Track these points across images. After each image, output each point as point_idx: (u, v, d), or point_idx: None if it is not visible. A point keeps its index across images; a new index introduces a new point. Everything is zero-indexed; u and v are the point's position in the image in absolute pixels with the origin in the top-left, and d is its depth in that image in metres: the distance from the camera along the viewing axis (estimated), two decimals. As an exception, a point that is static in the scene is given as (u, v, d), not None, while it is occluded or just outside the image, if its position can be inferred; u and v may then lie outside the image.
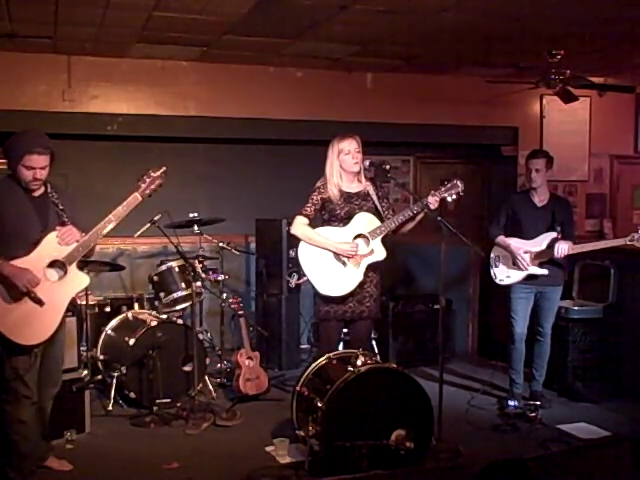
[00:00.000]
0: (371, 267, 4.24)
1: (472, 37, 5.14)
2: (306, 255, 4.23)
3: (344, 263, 4.18)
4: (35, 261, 3.44)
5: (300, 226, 4.26)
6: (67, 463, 3.91)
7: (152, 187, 3.71)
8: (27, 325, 3.43)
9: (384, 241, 4.22)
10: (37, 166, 3.44)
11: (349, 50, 5.57)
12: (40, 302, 3.44)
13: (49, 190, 3.60)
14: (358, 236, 4.20)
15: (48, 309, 3.48)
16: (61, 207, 3.57)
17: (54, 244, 3.48)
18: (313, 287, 4.26)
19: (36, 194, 3.55)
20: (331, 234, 4.22)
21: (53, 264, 3.50)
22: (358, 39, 5.24)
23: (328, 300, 4.24)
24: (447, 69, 6.34)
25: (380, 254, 4.20)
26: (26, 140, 3.46)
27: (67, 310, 3.63)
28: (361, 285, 4.22)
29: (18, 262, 3.40)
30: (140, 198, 3.66)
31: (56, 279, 3.51)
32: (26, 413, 3.57)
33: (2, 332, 3.35)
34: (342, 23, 4.76)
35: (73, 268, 3.54)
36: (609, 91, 6.64)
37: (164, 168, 3.75)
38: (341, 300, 4.23)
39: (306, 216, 4.27)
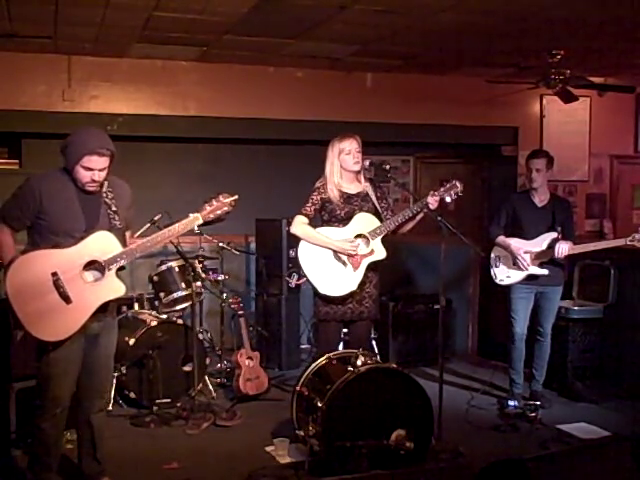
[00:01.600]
0: (370, 267, 4.24)
1: (472, 37, 5.14)
2: (306, 255, 4.23)
3: (344, 263, 4.18)
4: (75, 256, 3.27)
5: (300, 225, 4.26)
6: None
7: (217, 212, 3.51)
8: (47, 319, 3.24)
9: (384, 241, 4.22)
10: (96, 168, 3.27)
11: (349, 50, 5.57)
12: (67, 299, 3.24)
13: (105, 189, 3.40)
14: (358, 236, 4.21)
15: (73, 308, 3.27)
16: (114, 209, 3.39)
17: (99, 244, 3.30)
18: (313, 288, 4.26)
19: (88, 191, 3.36)
20: (331, 234, 4.22)
21: (92, 264, 3.31)
22: (358, 39, 5.23)
23: (328, 301, 4.24)
24: (447, 69, 6.33)
25: (380, 254, 4.20)
26: (88, 139, 3.28)
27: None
28: (361, 286, 4.22)
29: (57, 252, 3.26)
30: (201, 220, 3.47)
31: (91, 280, 3.31)
32: (46, 421, 3.40)
33: (20, 319, 3.19)
34: (342, 23, 4.76)
35: (111, 274, 3.33)
36: (609, 91, 6.64)
37: (236, 197, 3.56)
38: (341, 301, 4.23)
39: (306, 215, 4.27)
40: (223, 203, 3.51)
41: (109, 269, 3.31)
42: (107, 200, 3.39)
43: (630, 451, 3.37)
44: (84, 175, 3.29)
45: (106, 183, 3.42)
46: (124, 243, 3.42)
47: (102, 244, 3.31)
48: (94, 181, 3.31)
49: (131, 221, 3.64)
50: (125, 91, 5.86)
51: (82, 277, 3.30)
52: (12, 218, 3.35)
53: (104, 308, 3.39)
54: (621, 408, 5.12)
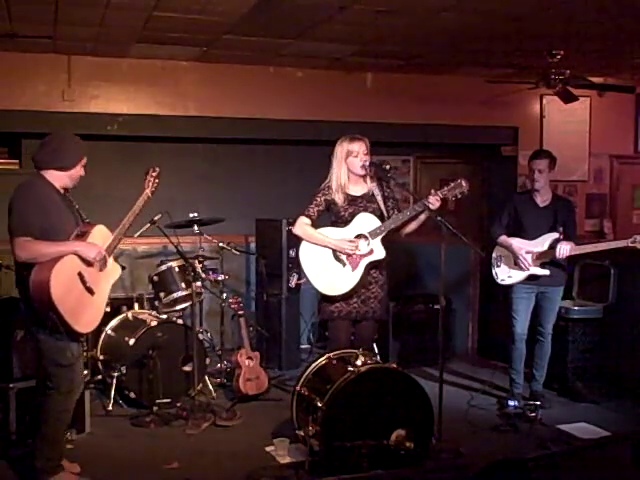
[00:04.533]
0: (377, 268, 4.24)
1: (472, 37, 5.14)
2: (306, 255, 4.24)
3: (343, 263, 4.18)
4: None
5: (302, 226, 4.26)
6: (77, 466, 3.87)
7: (155, 186, 4.05)
8: (82, 313, 3.52)
9: (384, 241, 4.22)
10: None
11: (349, 50, 5.57)
12: (91, 291, 3.57)
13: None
14: (358, 236, 4.20)
15: (97, 299, 3.62)
16: (76, 206, 3.74)
17: (99, 236, 3.65)
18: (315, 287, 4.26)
19: (62, 192, 3.69)
20: (331, 233, 4.22)
21: None
22: (358, 39, 5.23)
23: (332, 300, 4.24)
24: (447, 69, 6.33)
25: (379, 253, 4.20)
26: (78, 143, 3.71)
27: None
28: (366, 286, 4.22)
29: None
30: (150, 196, 4.00)
31: (99, 269, 3.65)
32: (72, 402, 3.66)
33: (63, 316, 3.39)
34: (342, 23, 4.76)
35: (110, 259, 3.74)
36: (609, 91, 6.64)
37: (157, 169, 4.10)
38: (345, 300, 4.22)
39: (308, 217, 4.26)
40: (154, 177, 4.06)
41: (109, 256, 3.73)
42: (70, 199, 3.74)
43: (630, 451, 3.38)
44: (80, 172, 3.71)
45: None
46: None
47: (102, 236, 3.70)
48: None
49: None
50: (125, 91, 5.86)
51: (95, 268, 3.63)
52: (40, 230, 3.46)
53: None
54: (621, 408, 5.12)
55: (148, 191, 3.99)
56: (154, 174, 4.06)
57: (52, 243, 3.45)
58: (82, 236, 3.58)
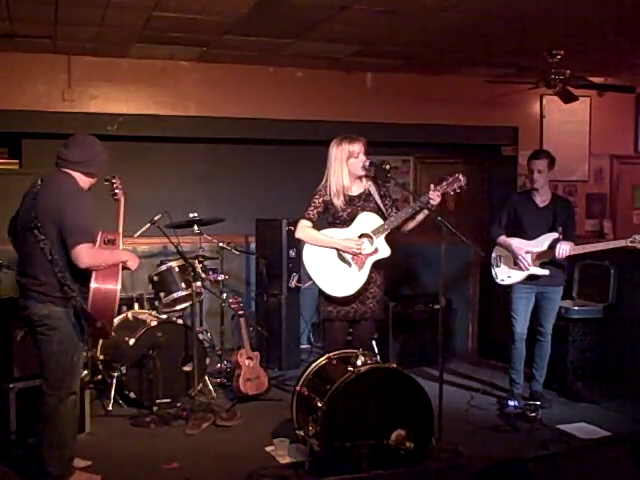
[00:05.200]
0: (375, 268, 4.23)
1: (472, 37, 5.14)
2: (311, 257, 4.21)
3: (349, 263, 4.17)
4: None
5: (304, 229, 4.24)
6: (84, 461, 3.92)
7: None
8: (112, 318, 3.60)
9: (386, 240, 4.22)
10: None
11: (349, 50, 5.58)
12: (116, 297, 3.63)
13: None
14: (362, 236, 4.20)
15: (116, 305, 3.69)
16: None
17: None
18: (318, 288, 4.25)
19: None
20: (335, 234, 4.21)
21: None
22: (358, 39, 5.24)
23: (331, 300, 4.23)
24: (447, 69, 6.33)
25: (384, 252, 4.20)
26: (107, 157, 3.70)
27: None
28: (365, 286, 4.21)
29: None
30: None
31: None
32: (72, 405, 3.66)
33: (113, 323, 3.50)
34: (342, 23, 4.76)
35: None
36: (609, 91, 6.64)
37: (118, 177, 4.05)
38: (344, 300, 4.22)
39: (309, 219, 4.25)
40: (119, 184, 4.01)
41: None
42: None
43: (630, 451, 3.38)
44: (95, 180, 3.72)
45: None
46: None
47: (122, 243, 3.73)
48: None
49: None
50: (125, 91, 5.86)
51: None
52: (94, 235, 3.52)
53: None
54: (621, 408, 5.12)
55: (123, 200, 3.96)
56: (119, 182, 4.01)
57: (110, 252, 3.52)
58: (111, 244, 3.60)
